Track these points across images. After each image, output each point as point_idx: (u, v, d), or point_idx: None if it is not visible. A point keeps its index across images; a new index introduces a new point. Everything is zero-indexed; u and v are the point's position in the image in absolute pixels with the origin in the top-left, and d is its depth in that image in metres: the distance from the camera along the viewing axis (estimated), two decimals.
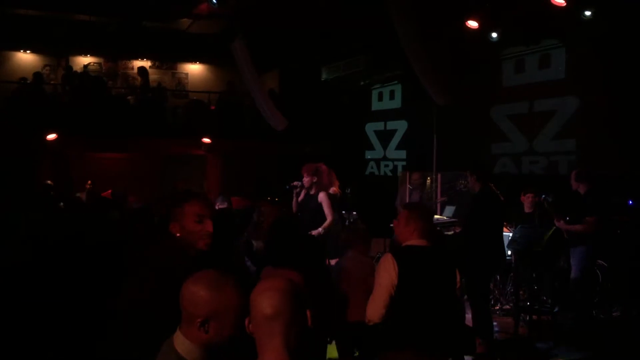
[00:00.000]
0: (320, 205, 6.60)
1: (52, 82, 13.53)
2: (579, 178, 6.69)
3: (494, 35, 8.54)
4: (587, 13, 7.25)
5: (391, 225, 3.78)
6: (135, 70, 15.15)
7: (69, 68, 13.43)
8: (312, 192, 6.72)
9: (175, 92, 15.06)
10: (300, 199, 6.90)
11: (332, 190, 7.29)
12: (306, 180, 6.79)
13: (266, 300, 1.90)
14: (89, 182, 10.15)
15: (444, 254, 3.64)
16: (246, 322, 1.93)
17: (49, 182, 10.10)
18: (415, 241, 3.52)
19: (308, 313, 1.96)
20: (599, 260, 6.93)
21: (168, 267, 2.52)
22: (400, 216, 3.63)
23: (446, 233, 8.03)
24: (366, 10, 8.99)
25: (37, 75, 12.32)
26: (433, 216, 3.89)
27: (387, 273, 3.37)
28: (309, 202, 6.71)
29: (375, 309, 3.38)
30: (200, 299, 1.89)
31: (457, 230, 7.81)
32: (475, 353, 5.46)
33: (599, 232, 6.54)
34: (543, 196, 6.93)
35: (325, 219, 6.53)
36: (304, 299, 1.95)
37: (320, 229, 6.41)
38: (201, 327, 1.89)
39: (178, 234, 2.72)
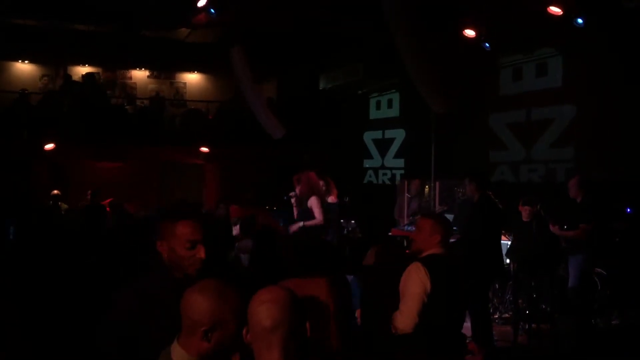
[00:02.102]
0: (309, 210, 6.63)
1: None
2: (582, 185, 6.69)
3: (491, 44, 8.57)
4: (580, 21, 7.29)
5: (389, 233, 3.81)
6: (134, 80, 15.20)
7: (67, 76, 13.41)
8: (304, 199, 6.80)
9: (174, 102, 15.09)
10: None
11: (330, 198, 7.30)
12: (297, 188, 6.88)
13: (265, 312, 1.89)
14: (89, 192, 10.13)
15: (458, 263, 3.71)
16: (244, 332, 1.93)
17: (56, 191, 10.10)
18: (437, 250, 3.55)
19: (307, 325, 1.95)
20: (598, 268, 6.92)
21: (151, 295, 2.40)
22: (424, 225, 3.63)
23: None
24: (364, 19, 9.02)
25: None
26: (452, 226, 3.94)
27: (420, 281, 3.38)
28: (303, 210, 6.78)
29: (410, 318, 3.36)
30: (206, 307, 1.88)
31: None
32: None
33: (596, 240, 6.54)
34: (538, 206, 6.94)
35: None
36: (304, 311, 1.94)
37: (300, 223, 6.48)
38: (204, 336, 1.88)
39: (165, 255, 2.48)
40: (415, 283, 3.40)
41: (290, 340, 1.88)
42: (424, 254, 3.56)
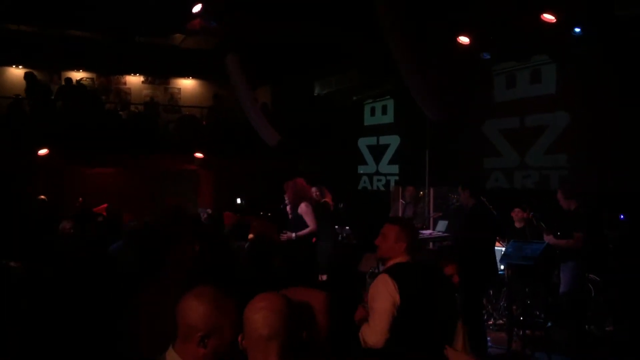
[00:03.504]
0: (299, 217, 6.64)
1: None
2: (568, 195, 6.70)
3: (486, 51, 8.62)
4: (577, 30, 7.35)
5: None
6: (128, 85, 15.18)
7: (68, 80, 13.32)
8: (294, 205, 6.83)
9: (168, 107, 15.06)
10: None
11: (324, 200, 7.32)
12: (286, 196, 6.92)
13: (262, 319, 1.88)
14: (80, 199, 10.08)
15: (431, 270, 3.58)
16: (239, 338, 1.92)
17: (42, 197, 10.02)
18: (403, 258, 3.40)
19: (304, 334, 1.94)
20: (592, 275, 6.94)
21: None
22: (389, 231, 3.45)
23: (444, 244, 8.07)
24: (359, 26, 9.05)
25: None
26: (418, 232, 3.78)
27: (388, 294, 3.21)
28: (294, 216, 6.80)
29: (380, 333, 3.17)
30: (203, 312, 1.88)
31: (444, 244, 7.83)
32: None
33: (589, 247, 6.55)
34: (532, 213, 6.95)
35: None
36: (300, 319, 1.94)
37: (292, 234, 6.48)
38: (200, 342, 1.87)
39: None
40: (383, 297, 3.22)
41: (287, 348, 1.87)
42: (390, 263, 3.42)
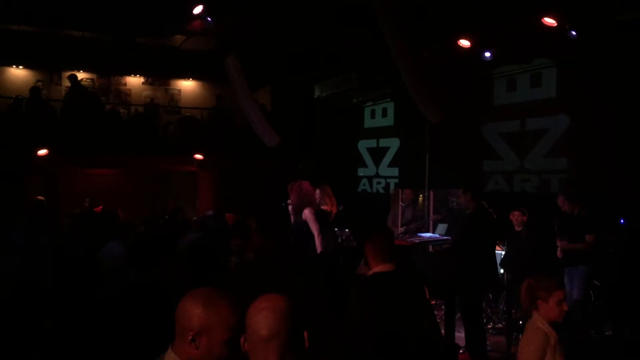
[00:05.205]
0: (303, 223, 6.60)
1: (44, 97, 13.47)
2: (571, 200, 6.70)
3: (486, 54, 8.62)
4: (574, 33, 7.35)
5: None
6: (128, 86, 15.17)
7: (74, 77, 13.25)
8: (298, 209, 6.80)
9: (168, 109, 15.06)
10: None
11: (325, 207, 7.27)
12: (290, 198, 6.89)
13: (262, 321, 1.87)
14: (88, 199, 10.05)
15: (411, 276, 3.62)
16: (242, 340, 1.91)
17: (40, 197, 10.01)
18: (382, 267, 3.48)
19: (305, 334, 1.93)
20: (593, 280, 6.93)
21: None
22: (369, 243, 3.57)
23: (444, 247, 8.04)
24: (359, 28, 9.04)
25: (34, 90, 12.33)
26: (394, 239, 3.82)
27: (361, 305, 3.31)
28: (297, 220, 6.76)
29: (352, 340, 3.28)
30: (193, 313, 1.89)
31: (441, 248, 7.80)
32: None
33: (598, 251, 6.56)
34: (553, 219, 6.94)
35: (310, 236, 6.55)
36: (301, 320, 1.93)
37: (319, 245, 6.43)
38: (192, 342, 1.88)
39: None
40: (354, 307, 3.33)
41: (287, 350, 1.86)
42: (371, 272, 3.51)
